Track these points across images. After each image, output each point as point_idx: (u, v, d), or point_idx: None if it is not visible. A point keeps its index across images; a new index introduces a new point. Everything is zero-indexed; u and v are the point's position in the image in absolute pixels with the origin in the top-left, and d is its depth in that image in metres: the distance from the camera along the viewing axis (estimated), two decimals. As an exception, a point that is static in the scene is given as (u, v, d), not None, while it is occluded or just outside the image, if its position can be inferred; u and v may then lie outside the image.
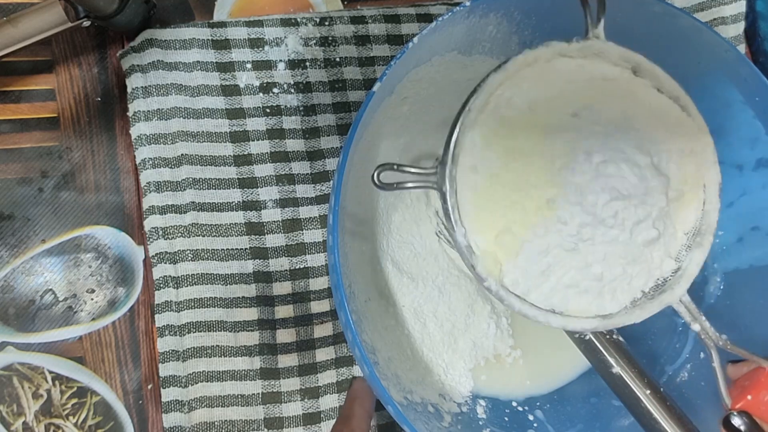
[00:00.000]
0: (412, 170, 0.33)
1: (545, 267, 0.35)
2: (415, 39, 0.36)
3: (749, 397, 0.37)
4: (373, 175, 0.33)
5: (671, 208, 0.36)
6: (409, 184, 0.34)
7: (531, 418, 0.47)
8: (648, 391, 0.40)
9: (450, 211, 0.33)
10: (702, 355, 0.46)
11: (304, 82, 0.48)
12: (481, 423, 0.45)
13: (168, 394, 0.44)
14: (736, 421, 0.36)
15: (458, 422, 0.44)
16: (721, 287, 0.47)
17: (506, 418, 0.46)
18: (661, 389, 0.41)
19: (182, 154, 0.46)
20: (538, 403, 0.48)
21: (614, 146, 0.35)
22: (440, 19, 0.35)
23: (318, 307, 0.47)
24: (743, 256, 0.46)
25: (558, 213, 0.34)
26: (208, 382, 0.44)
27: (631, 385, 0.41)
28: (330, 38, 0.49)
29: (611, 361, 0.41)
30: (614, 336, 0.42)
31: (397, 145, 0.46)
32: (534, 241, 0.34)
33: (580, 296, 0.35)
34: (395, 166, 0.33)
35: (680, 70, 0.43)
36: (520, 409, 0.47)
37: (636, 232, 0.35)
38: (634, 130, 0.36)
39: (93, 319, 0.44)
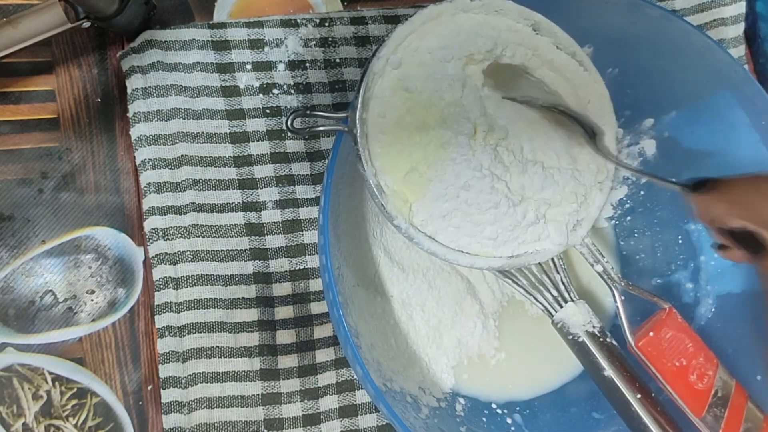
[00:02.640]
0: (325, 114, 0.36)
1: (445, 212, 0.36)
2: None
3: (651, 333, 0.39)
4: (286, 121, 0.35)
5: (576, 156, 0.38)
6: (321, 128, 0.36)
7: (509, 421, 0.47)
8: (639, 396, 0.40)
9: (360, 151, 0.35)
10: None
11: (304, 82, 0.48)
12: (458, 420, 0.45)
13: (168, 395, 0.44)
14: None
15: (435, 416, 0.44)
16: (713, 309, 0.47)
17: (484, 419, 0.46)
18: (652, 394, 0.41)
19: (182, 155, 0.46)
20: (517, 408, 0.48)
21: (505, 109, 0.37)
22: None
23: (318, 308, 0.47)
24: (737, 281, 0.46)
25: (451, 154, 0.36)
26: (207, 383, 0.44)
27: (622, 388, 0.41)
28: (330, 39, 0.49)
29: (603, 364, 0.42)
30: (608, 339, 0.42)
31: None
32: (437, 181, 0.36)
33: (481, 244, 0.37)
34: (308, 111, 0.36)
35: (691, 89, 0.43)
36: (499, 411, 0.47)
37: (520, 211, 0.37)
38: (532, 86, 0.38)
39: (93, 320, 0.44)
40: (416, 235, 0.36)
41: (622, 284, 0.40)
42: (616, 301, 0.40)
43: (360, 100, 0.35)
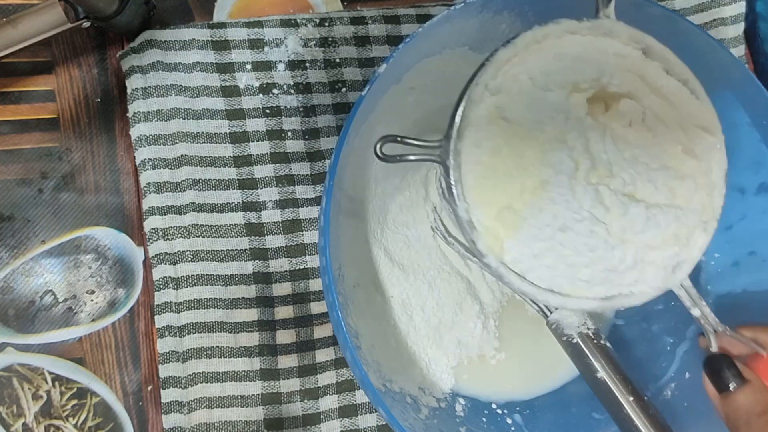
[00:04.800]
0: (416, 143, 0.33)
1: (538, 252, 0.34)
2: (425, 25, 0.36)
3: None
4: (375, 146, 0.32)
5: (678, 195, 0.35)
6: (412, 157, 0.33)
7: (509, 421, 0.47)
8: (631, 398, 0.40)
9: (453, 185, 0.33)
10: (687, 375, 0.46)
11: (304, 82, 0.48)
12: (458, 420, 0.45)
13: (168, 395, 0.44)
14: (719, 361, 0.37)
15: (435, 416, 0.44)
16: (713, 309, 0.47)
17: (484, 419, 0.46)
18: (645, 397, 0.41)
19: (182, 155, 0.46)
20: (517, 408, 0.48)
21: (610, 151, 0.34)
22: (453, 8, 0.35)
23: (318, 308, 0.47)
24: (738, 281, 0.46)
25: (550, 194, 0.33)
26: (207, 383, 0.44)
27: (614, 390, 0.41)
28: (330, 39, 0.49)
29: (596, 365, 0.41)
30: (601, 341, 0.42)
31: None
32: (533, 220, 0.34)
33: (573, 285, 0.34)
34: (398, 138, 0.32)
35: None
36: (499, 411, 0.47)
37: (618, 255, 0.34)
38: (640, 127, 0.35)
39: (93, 320, 0.44)
40: (507, 274, 0.33)
41: (720, 329, 0.38)
42: (711, 347, 0.38)
43: (455, 129, 0.33)
